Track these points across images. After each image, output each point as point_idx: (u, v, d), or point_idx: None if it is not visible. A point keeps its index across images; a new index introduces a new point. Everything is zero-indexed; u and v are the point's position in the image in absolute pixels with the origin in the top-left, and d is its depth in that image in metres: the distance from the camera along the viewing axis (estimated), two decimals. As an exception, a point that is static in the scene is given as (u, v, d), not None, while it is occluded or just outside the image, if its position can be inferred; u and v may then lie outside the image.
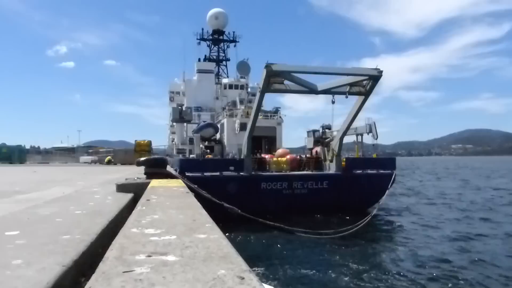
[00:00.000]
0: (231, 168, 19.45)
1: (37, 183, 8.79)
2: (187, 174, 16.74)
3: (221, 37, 52.10)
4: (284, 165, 21.71)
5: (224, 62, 53.02)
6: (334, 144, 21.55)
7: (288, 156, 23.11)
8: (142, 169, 7.91)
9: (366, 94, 18.25)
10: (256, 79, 38.13)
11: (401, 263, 11.79)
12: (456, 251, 13.25)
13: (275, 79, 17.26)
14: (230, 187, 16.73)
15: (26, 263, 1.79)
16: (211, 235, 2.05)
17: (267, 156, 23.46)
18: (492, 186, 38.81)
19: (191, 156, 28.27)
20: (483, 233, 16.05)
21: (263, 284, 1.31)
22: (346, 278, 10.38)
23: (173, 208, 3.20)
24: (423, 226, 17.89)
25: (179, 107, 35.27)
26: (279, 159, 22.57)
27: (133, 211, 3.23)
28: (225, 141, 31.26)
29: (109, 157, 36.44)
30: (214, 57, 52.02)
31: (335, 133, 23.29)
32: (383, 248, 14.22)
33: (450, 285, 9.87)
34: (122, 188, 5.81)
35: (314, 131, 26.91)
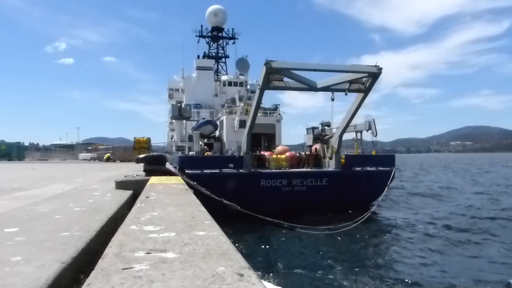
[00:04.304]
0: (231, 165, 19.46)
1: (36, 180, 8.78)
2: (186, 171, 16.75)
3: (220, 34, 51.93)
4: (284, 162, 21.73)
5: (223, 59, 52.94)
6: (334, 141, 21.56)
7: (287, 153, 23.11)
8: (141, 166, 7.91)
9: (366, 91, 18.23)
10: (256, 76, 38.12)
11: (399, 259, 11.85)
12: (454, 245, 13.32)
13: (275, 76, 17.22)
14: (228, 185, 16.75)
15: (25, 260, 1.78)
16: (210, 232, 2.05)
17: (266, 153, 23.47)
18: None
19: (190, 153, 28.27)
20: (481, 227, 16.14)
21: (262, 281, 1.31)
22: (344, 274, 10.42)
23: (172, 205, 3.20)
24: (421, 221, 17.97)
25: (178, 104, 35.21)
26: (278, 156, 22.57)
27: (132, 208, 3.22)
28: (224, 138, 31.24)
29: (108, 154, 36.41)
30: (213, 54, 51.89)
31: (334, 130, 23.29)
32: (382, 244, 14.29)
33: (448, 280, 9.91)
34: (121, 185, 5.80)
35: (313, 128, 26.91)
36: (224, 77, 44.10)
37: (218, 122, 33.16)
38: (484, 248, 13.32)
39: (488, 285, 9.64)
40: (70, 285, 1.75)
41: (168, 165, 10.60)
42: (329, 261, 11.73)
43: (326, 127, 25.13)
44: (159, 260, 1.52)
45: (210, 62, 46.07)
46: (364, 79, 17.95)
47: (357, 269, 10.84)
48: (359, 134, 24.52)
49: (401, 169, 57.58)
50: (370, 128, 22.78)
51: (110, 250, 1.71)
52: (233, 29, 52.60)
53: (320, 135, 24.56)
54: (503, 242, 13.84)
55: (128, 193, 5.16)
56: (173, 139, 40.78)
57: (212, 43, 52.19)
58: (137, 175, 7.13)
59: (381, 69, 17.08)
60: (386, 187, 20.80)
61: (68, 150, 56.38)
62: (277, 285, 8.98)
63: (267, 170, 20.60)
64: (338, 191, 19.74)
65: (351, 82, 18.02)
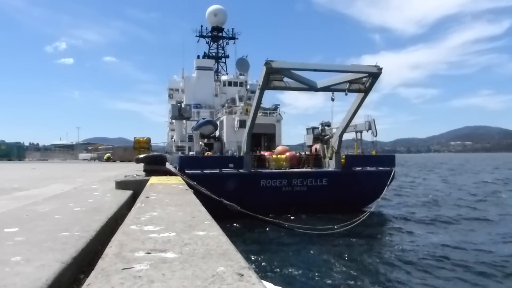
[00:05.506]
0: (231, 165, 19.47)
1: (36, 180, 8.78)
2: (186, 171, 16.75)
3: (220, 34, 51.95)
4: (284, 162, 21.73)
5: (223, 59, 52.97)
6: (334, 141, 21.56)
7: (287, 153, 23.12)
8: (141, 166, 7.90)
9: (366, 91, 18.24)
10: (256, 76, 38.12)
11: (399, 259, 11.84)
12: (452, 245, 13.32)
13: (275, 76, 17.23)
14: (228, 185, 16.75)
15: (25, 260, 1.78)
16: (210, 232, 2.05)
17: (266, 153, 23.47)
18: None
19: (190, 153, 28.28)
20: (478, 229, 16.16)
21: (262, 281, 1.31)
22: (343, 274, 10.42)
23: (172, 205, 3.20)
24: (421, 221, 17.99)
25: (178, 104, 35.22)
26: (278, 156, 22.58)
27: (132, 208, 3.22)
28: (224, 138, 31.24)
29: (108, 154, 36.39)
30: (213, 54, 51.90)
31: (334, 130, 23.30)
32: (381, 244, 14.30)
33: (445, 281, 9.92)
34: (121, 185, 5.79)
35: (313, 128, 26.91)
36: (224, 77, 44.10)
37: (218, 122, 33.16)
38: (484, 243, 13.35)
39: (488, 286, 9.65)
40: (70, 285, 1.75)
41: (168, 165, 10.60)
42: (328, 261, 11.73)
43: (326, 127, 25.14)
44: (159, 260, 1.52)
45: (210, 62, 46.07)
46: (364, 79, 17.96)
47: (356, 269, 10.84)
48: (359, 134, 24.53)
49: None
50: (370, 128, 22.78)
51: (110, 250, 1.71)
52: (233, 29, 52.70)
53: (320, 135, 24.57)
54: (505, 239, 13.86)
55: (128, 193, 5.15)
56: (173, 139, 40.78)
57: (212, 43, 52.22)
58: (137, 175, 7.12)
59: (381, 69, 17.09)
60: (386, 187, 20.80)
61: (68, 150, 56.33)
62: (277, 285, 8.98)
63: (267, 170, 20.61)
64: (338, 191, 19.74)
65: (351, 82, 18.04)
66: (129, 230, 2.13)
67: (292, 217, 17.23)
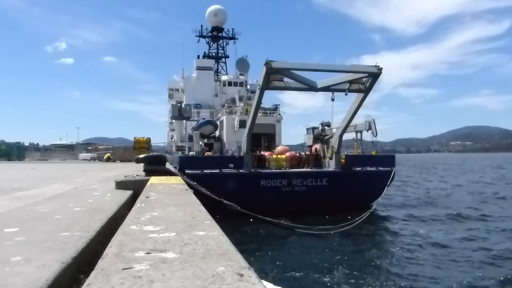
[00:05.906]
0: (231, 165, 19.47)
1: (36, 180, 8.77)
2: (186, 171, 16.75)
3: (220, 34, 51.93)
4: (284, 163, 21.74)
5: (223, 59, 52.94)
6: (334, 141, 21.56)
7: (287, 154, 23.12)
8: (141, 166, 7.90)
9: (366, 91, 18.24)
10: (256, 76, 38.11)
11: (399, 258, 11.85)
12: (452, 244, 13.32)
13: (275, 77, 17.23)
14: (228, 185, 16.74)
15: (25, 260, 1.78)
16: (210, 232, 2.05)
17: (266, 153, 23.47)
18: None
19: (190, 153, 28.27)
20: (479, 227, 16.17)
21: (262, 280, 1.31)
22: (344, 274, 10.42)
23: (172, 205, 3.20)
24: (421, 221, 18.00)
25: (178, 104, 35.23)
26: (278, 156, 22.58)
27: (132, 208, 3.22)
28: (224, 138, 31.23)
29: (108, 154, 36.39)
30: (213, 54, 51.89)
31: (334, 130, 23.30)
32: (381, 244, 14.31)
33: (446, 279, 9.92)
34: (121, 185, 5.79)
35: (313, 128, 26.91)
36: (224, 77, 44.07)
37: (218, 122, 33.15)
38: (484, 242, 13.36)
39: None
40: (70, 285, 1.75)
41: (168, 165, 10.60)
42: (328, 261, 11.73)
43: (326, 127, 25.14)
44: (159, 260, 1.52)
45: (210, 62, 46.04)
46: (364, 79, 17.95)
47: (356, 269, 10.84)
48: (359, 134, 24.54)
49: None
50: (370, 128, 22.79)
51: (110, 250, 1.71)
52: (233, 29, 52.68)
53: (320, 135, 24.58)
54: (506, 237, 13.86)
55: (128, 193, 5.15)
56: (173, 139, 40.78)
57: (212, 43, 52.19)
58: (137, 175, 7.12)
59: (381, 69, 17.08)
60: (386, 187, 20.80)
61: (68, 150, 56.30)
62: (277, 285, 8.97)
63: (267, 170, 20.61)
64: (338, 191, 19.73)
65: (351, 82, 18.03)
66: (129, 230, 2.13)
67: (292, 217, 17.21)
